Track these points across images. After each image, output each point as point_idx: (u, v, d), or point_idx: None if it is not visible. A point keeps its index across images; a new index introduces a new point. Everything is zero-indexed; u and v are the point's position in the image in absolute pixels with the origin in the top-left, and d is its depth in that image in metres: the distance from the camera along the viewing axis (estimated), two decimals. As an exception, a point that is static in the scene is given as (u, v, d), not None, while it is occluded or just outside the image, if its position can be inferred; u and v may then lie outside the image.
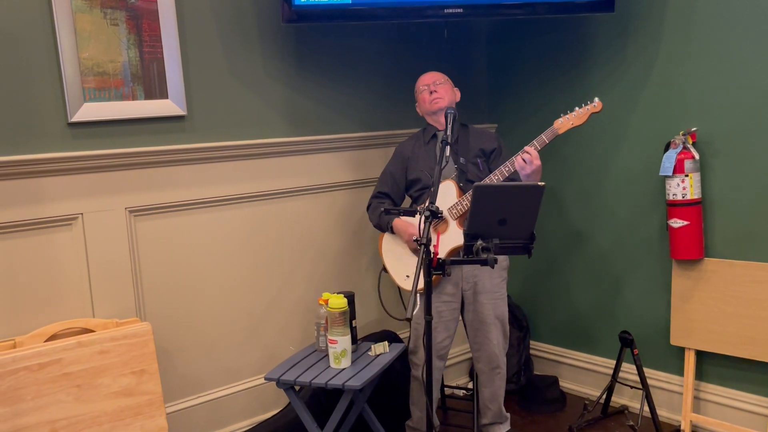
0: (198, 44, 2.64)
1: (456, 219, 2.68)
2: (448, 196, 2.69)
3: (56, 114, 2.33)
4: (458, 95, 2.85)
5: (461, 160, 2.76)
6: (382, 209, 2.74)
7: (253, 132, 2.80)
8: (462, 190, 2.69)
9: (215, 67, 2.69)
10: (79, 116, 2.36)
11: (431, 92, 2.78)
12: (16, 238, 2.28)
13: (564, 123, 2.63)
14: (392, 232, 2.79)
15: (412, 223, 2.70)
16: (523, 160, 2.58)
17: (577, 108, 2.64)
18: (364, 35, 3.14)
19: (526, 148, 2.61)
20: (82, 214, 2.40)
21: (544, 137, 2.63)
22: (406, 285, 2.78)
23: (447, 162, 2.43)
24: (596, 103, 2.64)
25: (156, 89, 2.53)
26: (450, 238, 2.68)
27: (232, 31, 2.72)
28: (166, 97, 2.55)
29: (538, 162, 2.59)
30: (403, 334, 3.25)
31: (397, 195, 2.89)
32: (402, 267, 2.79)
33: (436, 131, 2.82)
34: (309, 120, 2.98)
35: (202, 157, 2.65)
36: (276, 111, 2.87)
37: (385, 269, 2.86)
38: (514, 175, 2.63)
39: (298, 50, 2.92)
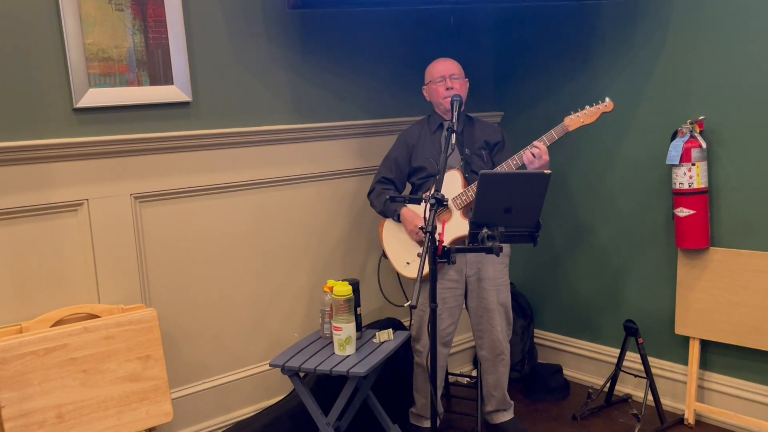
0: (203, 30, 2.63)
1: (460, 209, 2.68)
2: (453, 185, 2.68)
3: (62, 100, 2.33)
4: (467, 86, 2.83)
5: (466, 151, 2.76)
6: (387, 197, 2.73)
7: (258, 119, 2.80)
8: (467, 181, 2.68)
9: (220, 54, 2.68)
10: (84, 102, 2.35)
11: (447, 88, 2.73)
12: (23, 224, 2.29)
13: (575, 120, 2.63)
14: (398, 220, 2.79)
15: (419, 215, 2.69)
16: (532, 154, 2.58)
17: (587, 106, 2.64)
18: (369, 22, 3.12)
19: (535, 143, 2.60)
20: (87, 200, 2.40)
21: (554, 133, 2.63)
22: (406, 272, 2.78)
23: (453, 150, 2.43)
24: (607, 103, 2.63)
25: (161, 75, 2.52)
26: (453, 228, 2.67)
27: (237, 18, 2.71)
28: (172, 83, 2.55)
29: (546, 157, 2.59)
30: (407, 322, 3.26)
31: (400, 182, 2.88)
32: (402, 253, 2.79)
33: (442, 120, 2.81)
34: (314, 107, 2.97)
35: (207, 143, 2.65)
36: (281, 98, 2.86)
37: (384, 255, 2.86)
38: (521, 169, 2.62)
39: (303, 37, 2.91)
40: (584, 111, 2.64)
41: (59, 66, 2.31)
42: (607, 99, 2.64)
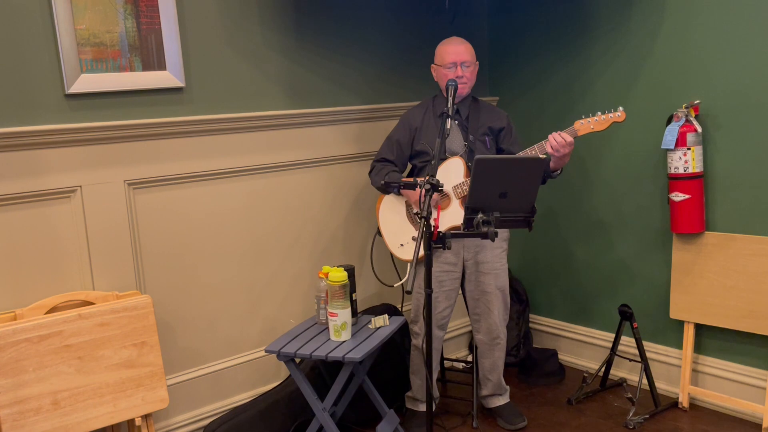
0: (196, 15, 2.60)
1: (459, 198, 2.66)
2: (454, 173, 2.67)
3: (53, 85, 2.31)
4: (477, 70, 2.77)
5: (470, 137, 2.73)
6: (382, 182, 2.73)
7: (252, 104, 2.78)
8: (470, 170, 2.66)
9: (213, 39, 2.66)
10: (76, 87, 2.33)
11: (458, 76, 2.67)
12: (15, 210, 2.27)
13: (584, 126, 2.59)
14: (399, 193, 2.76)
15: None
16: (556, 141, 2.53)
17: (599, 113, 2.60)
18: (364, 5, 3.09)
19: (553, 134, 2.56)
20: (80, 186, 2.39)
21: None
22: (400, 253, 2.77)
23: (448, 135, 2.42)
24: (620, 113, 2.58)
25: (154, 60, 2.50)
26: (450, 216, 2.66)
27: (230, 2, 2.68)
28: (164, 69, 2.53)
29: (572, 143, 2.55)
30: (402, 307, 3.26)
31: (401, 163, 2.85)
32: (398, 234, 2.78)
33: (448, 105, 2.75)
34: (308, 92, 2.95)
35: (200, 129, 2.63)
36: (275, 83, 2.85)
37: (379, 233, 2.86)
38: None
39: (297, 21, 2.89)
40: (595, 117, 2.59)
41: (50, 51, 2.29)
42: (620, 108, 2.59)
